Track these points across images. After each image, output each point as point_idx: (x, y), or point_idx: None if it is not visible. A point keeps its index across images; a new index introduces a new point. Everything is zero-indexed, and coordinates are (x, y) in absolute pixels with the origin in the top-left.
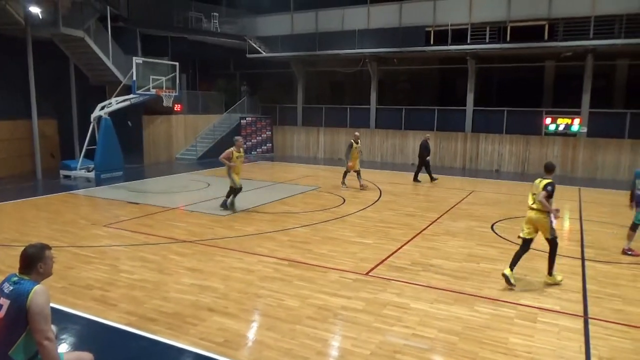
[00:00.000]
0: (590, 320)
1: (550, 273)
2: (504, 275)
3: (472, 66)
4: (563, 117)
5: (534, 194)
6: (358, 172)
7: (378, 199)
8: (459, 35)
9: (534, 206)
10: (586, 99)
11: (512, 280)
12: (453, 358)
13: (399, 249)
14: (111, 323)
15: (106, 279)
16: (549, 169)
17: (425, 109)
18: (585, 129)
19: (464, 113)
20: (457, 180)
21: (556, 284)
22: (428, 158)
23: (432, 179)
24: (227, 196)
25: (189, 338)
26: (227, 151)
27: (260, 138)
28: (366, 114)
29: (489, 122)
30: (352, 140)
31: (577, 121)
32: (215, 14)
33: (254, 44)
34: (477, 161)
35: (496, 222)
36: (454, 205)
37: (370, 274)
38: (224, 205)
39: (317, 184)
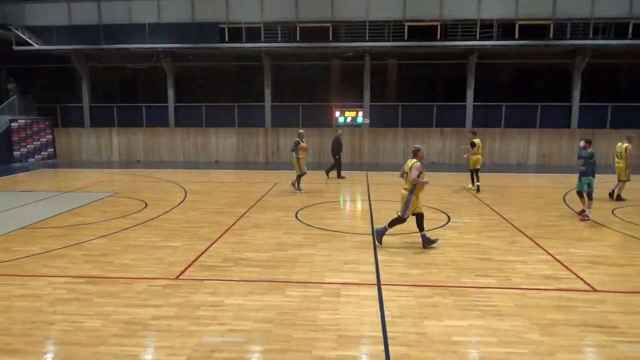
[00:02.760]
0: (382, 287)
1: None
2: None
3: (268, 64)
4: (349, 111)
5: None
6: (300, 176)
7: (183, 200)
8: (253, 34)
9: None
10: (367, 94)
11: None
12: (269, 345)
13: (209, 247)
14: None
15: None
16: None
17: (226, 106)
18: (367, 121)
19: (263, 109)
20: (262, 174)
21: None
22: (338, 155)
23: (334, 176)
24: (390, 225)
25: None
26: (417, 165)
27: (38, 143)
28: (164, 112)
29: (286, 117)
30: (299, 139)
31: (360, 114)
32: None
33: (22, 35)
34: (278, 155)
35: (299, 210)
36: (260, 198)
37: (180, 277)
38: (429, 242)
39: (114, 190)
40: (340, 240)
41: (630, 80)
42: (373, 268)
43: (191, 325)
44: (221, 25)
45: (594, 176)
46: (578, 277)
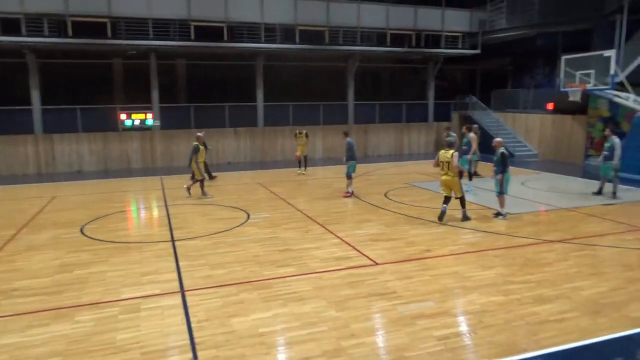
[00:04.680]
0: (186, 293)
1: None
2: None
3: (33, 61)
4: (137, 113)
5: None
6: (202, 181)
7: None
8: (12, 26)
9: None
10: (155, 94)
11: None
12: None
13: None
14: None
15: None
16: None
17: None
18: (158, 123)
19: (30, 113)
20: (34, 188)
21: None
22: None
23: (211, 177)
24: (463, 206)
25: None
26: (457, 154)
27: None
28: None
29: (61, 122)
30: (198, 143)
31: (150, 116)
32: None
33: None
34: (54, 164)
35: (86, 224)
36: (35, 216)
37: None
38: (466, 218)
39: None
40: (136, 252)
41: (390, 82)
42: (175, 275)
43: None
44: None
45: (353, 159)
46: (363, 254)
